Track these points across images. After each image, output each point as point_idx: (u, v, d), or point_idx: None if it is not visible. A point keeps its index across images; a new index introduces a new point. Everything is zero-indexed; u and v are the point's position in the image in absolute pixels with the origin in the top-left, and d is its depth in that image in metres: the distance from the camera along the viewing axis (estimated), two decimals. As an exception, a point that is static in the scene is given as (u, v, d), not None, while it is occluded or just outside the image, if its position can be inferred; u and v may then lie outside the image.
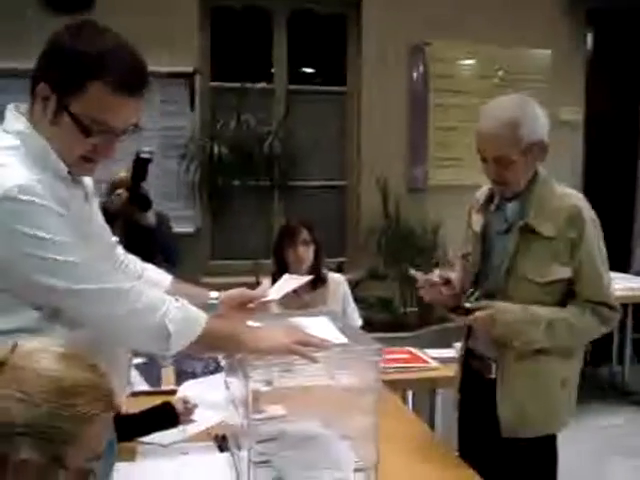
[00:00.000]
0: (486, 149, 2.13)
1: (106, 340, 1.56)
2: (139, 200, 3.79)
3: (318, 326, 2.04)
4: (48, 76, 1.49)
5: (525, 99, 2.18)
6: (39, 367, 1.11)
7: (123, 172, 3.80)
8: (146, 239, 3.82)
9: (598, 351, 5.85)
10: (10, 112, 1.55)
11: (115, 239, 1.92)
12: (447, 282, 2.23)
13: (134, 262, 1.98)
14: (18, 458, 1.06)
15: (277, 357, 1.76)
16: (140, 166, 3.68)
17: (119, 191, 3.79)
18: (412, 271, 2.30)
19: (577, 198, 2.17)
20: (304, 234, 3.35)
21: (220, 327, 1.71)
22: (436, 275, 2.26)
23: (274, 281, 3.25)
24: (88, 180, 1.69)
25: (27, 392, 1.08)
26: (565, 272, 2.10)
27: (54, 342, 1.19)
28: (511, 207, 2.20)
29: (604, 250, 2.18)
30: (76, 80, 1.47)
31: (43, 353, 1.13)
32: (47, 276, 1.44)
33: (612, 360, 5.82)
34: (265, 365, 1.80)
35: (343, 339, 1.93)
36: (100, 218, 1.79)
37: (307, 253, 3.34)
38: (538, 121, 2.12)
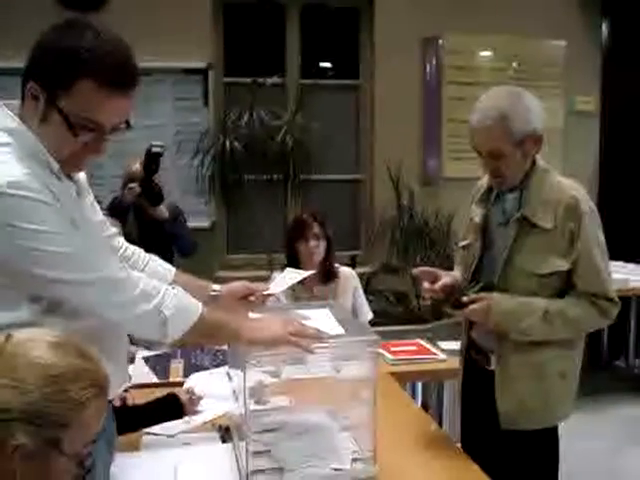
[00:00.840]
0: (479, 143, 2.13)
1: (104, 333, 1.59)
2: (151, 194, 3.84)
3: (318, 317, 2.06)
4: (37, 74, 1.50)
5: (516, 91, 2.16)
6: (32, 355, 1.14)
7: (136, 165, 3.85)
8: (159, 232, 3.87)
9: (615, 343, 5.82)
10: (0, 110, 1.56)
11: (115, 230, 1.94)
12: (434, 279, 2.23)
13: (138, 253, 2.00)
14: (14, 443, 1.09)
15: (274, 348, 1.77)
16: (152, 160, 3.73)
17: (132, 185, 3.84)
18: (415, 271, 2.31)
19: (575, 189, 2.16)
20: (315, 228, 3.36)
21: (217, 316, 1.73)
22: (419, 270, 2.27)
23: (287, 265, 3.30)
24: (81, 175, 1.71)
25: (20, 379, 1.11)
26: (563, 264, 2.10)
27: (48, 332, 1.22)
28: (510, 199, 2.20)
29: (603, 241, 2.17)
30: (64, 78, 1.47)
31: (36, 342, 1.17)
32: (42, 268, 1.46)
33: (629, 352, 5.78)
34: (264, 356, 1.82)
35: (340, 330, 1.95)
36: (96, 213, 1.81)
37: (318, 247, 3.35)
38: (530, 113, 2.10)
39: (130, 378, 2.22)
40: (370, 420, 1.89)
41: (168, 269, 2.04)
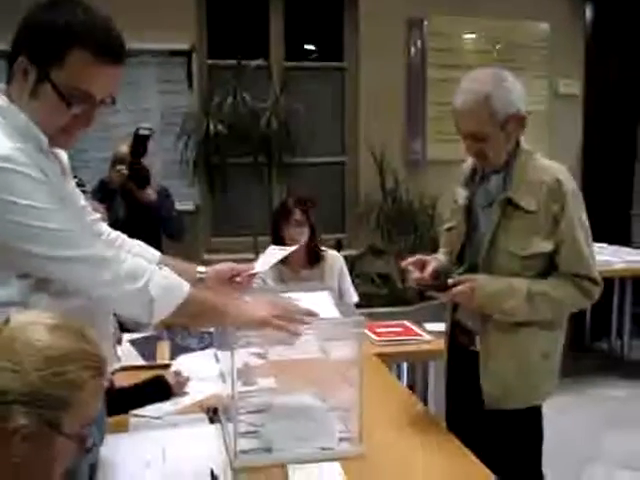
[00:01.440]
0: (462, 125, 2.14)
1: (90, 312, 1.59)
2: (139, 176, 3.82)
3: (317, 301, 2.07)
4: (27, 49, 1.50)
5: (497, 72, 2.16)
6: (30, 337, 1.16)
7: (125, 147, 3.83)
8: (146, 214, 3.86)
9: (598, 325, 5.89)
10: None
11: (98, 216, 1.95)
12: (423, 266, 2.24)
13: (122, 239, 2.01)
14: (14, 425, 1.11)
15: (259, 329, 1.79)
16: (139, 142, 3.71)
17: (119, 167, 3.82)
18: (403, 264, 2.32)
19: (559, 170, 2.17)
20: (297, 215, 3.39)
21: (203, 297, 1.74)
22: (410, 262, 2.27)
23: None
24: (64, 158, 1.71)
25: (19, 362, 1.13)
26: (546, 245, 2.12)
27: (46, 314, 1.23)
28: (494, 181, 2.21)
29: (586, 223, 2.19)
30: (56, 50, 1.49)
31: (34, 325, 1.18)
32: (29, 243, 1.46)
33: (611, 334, 5.84)
34: (252, 337, 1.84)
35: (336, 314, 1.97)
36: (79, 197, 1.81)
37: (300, 234, 3.38)
38: (512, 93, 2.11)
39: (119, 359, 2.23)
40: (357, 400, 1.91)
41: (153, 254, 2.05)
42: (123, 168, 3.79)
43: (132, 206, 3.86)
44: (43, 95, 1.51)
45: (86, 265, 1.52)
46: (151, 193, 3.90)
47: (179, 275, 1.74)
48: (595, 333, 5.92)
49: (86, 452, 1.23)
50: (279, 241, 3.40)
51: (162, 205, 3.99)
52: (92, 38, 1.50)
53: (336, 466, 1.80)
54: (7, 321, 1.19)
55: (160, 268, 1.67)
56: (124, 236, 2.01)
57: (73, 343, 1.18)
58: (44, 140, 1.55)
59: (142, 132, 3.66)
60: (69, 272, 1.52)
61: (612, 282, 5.64)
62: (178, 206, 4.52)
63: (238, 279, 2.10)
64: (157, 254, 2.05)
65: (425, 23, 5.44)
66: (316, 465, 1.81)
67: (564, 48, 5.74)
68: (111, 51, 1.53)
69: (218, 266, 2.10)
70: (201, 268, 2.07)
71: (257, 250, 4.67)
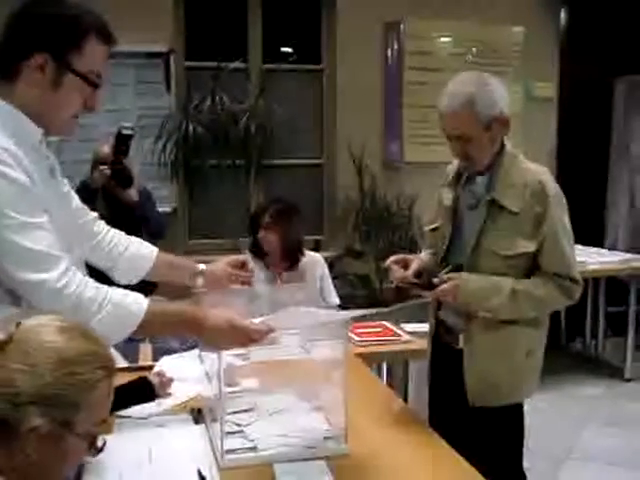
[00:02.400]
0: (448, 127, 2.18)
1: None
2: (121, 176, 3.80)
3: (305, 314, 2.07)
4: (43, 44, 1.57)
5: (481, 75, 2.22)
6: (42, 340, 1.19)
7: (106, 147, 3.81)
8: (128, 215, 3.84)
9: (572, 324, 5.97)
10: None
11: (95, 215, 1.96)
12: (405, 265, 2.28)
13: (118, 236, 2.03)
14: (30, 425, 1.14)
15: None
16: (122, 142, 3.69)
17: (102, 167, 3.79)
18: (387, 263, 2.35)
19: (542, 173, 2.22)
20: (266, 218, 3.41)
21: (163, 316, 1.72)
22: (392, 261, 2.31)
23: (252, 252, 3.35)
24: (52, 157, 1.74)
25: (32, 364, 1.15)
26: (530, 246, 2.16)
27: (55, 317, 1.26)
28: (479, 182, 2.25)
29: (568, 225, 2.24)
30: (74, 39, 1.59)
31: (45, 327, 1.21)
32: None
33: (586, 333, 5.93)
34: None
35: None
36: (72, 199, 1.83)
37: (268, 237, 3.40)
38: (494, 95, 2.16)
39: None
40: (341, 399, 1.93)
41: (150, 250, 2.08)
42: (105, 168, 3.76)
43: (114, 206, 3.84)
44: (67, 84, 1.59)
45: (35, 290, 1.53)
46: (133, 193, 3.88)
47: (177, 270, 1.84)
48: (570, 333, 6.01)
49: (96, 452, 1.25)
50: (255, 243, 3.44)
51: (144, 205, 3.98)
52: (97, 24, 1.63)
53: (322, 464, 1.82)
54: (18, 324, 1.21)
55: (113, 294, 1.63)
56: (120, 234, 2.03)
57: (84, 344, 1.21)
58: (36, 136, 1.60)
59: (125, 131, 3.63)
60: (22, 289, 1.55)
61: (586, 283, 5.68)
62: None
63: (234, 285, 2.14)
64: (155, 250, 2.09)
65: (402, 26, 5.49)
66: (302, 464, 1.83)
67: (539, 52, 5.82)
68: (109, 34, 1.66)
69: (214, 268, 2.14)
70: (201, 265, 2.12)
71: (234, 252, 4.68)
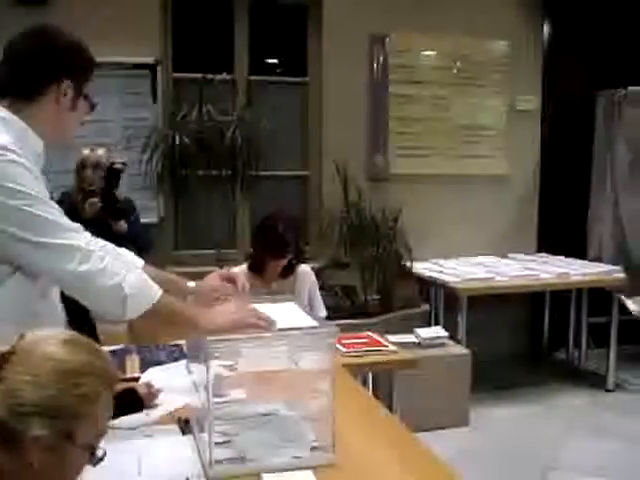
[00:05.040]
0: None
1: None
2: (112, 209, 3.93)
3: (287, 311, 2.12)
4: (69, 73, 1.77)
5: None
6: (46, 352, 1.21)
7: (87, 150, 3.96)
8: (116, 240, 3.89)
9: (555, 335, 6.02)
10: None
11: (78, 225, 1.98)
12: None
13: (106, 247, 2.05)
14: (32, 436, 1.16)
15: (232, 332, 1.83)
16: (113, 176, 3.87)
17: (93, 200, 3.91)
18: None
19: None
20: (289, 255, 3.40)
21: (174, 303, 1.83)
22: None
23: (251, 268, 3.35)
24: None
25: (36, 374, 1.18)
26: None
27: (59, 330, 1.30)
28: None
29: None
30: (89, 68, 1.84)
31: (49, 339, 1.24)
32: (20, 228, 1.59)
33: (569, 344, 5.98)
34: (230, 346, 1.86)
35: (313, 322, 2.01)
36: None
37: (280, 262, 3.41)
38: None
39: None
40: (328, 410, 1.94)
41: (137, 261, 2.15)
42: (97, 201, 3.88)
43: (104, 234, 3.89)
44: (80, 107, 1.82)
45: (69, 254, 1.62)
46: (124, 225, 3.99)
47: (164, 285, 1.82)
48: (553, 344, 6.06)
49: (97, 462, 1.27)
50: (259, 262, 3.42)
51: (132, 229, 4.07)
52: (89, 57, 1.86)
53: (309, 474, 1.83)
54: (22, 336, 1.24)
55: (137, 269, 1.74)
56: (110, 245, 2.06)
57: (87, 357, 1.24)
58: (39, 148, 1.76)
59: (116, 166, 3.83)
60: (52, 259, 1.62)
61: (569, 294, 5.79)
62: (142, 219, 4.54)
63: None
64: (141, 262, 2.15)
65: (388, 40, 5.55)
66: (290, 474, 1.84)
67: (522, 65, 5.90)
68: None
69: (203, 287, 2.21)
70: (190, 283, 2.21)
71: (220, 263, 4.69)
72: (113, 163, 3.88)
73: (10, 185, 1.57)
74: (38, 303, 1.75)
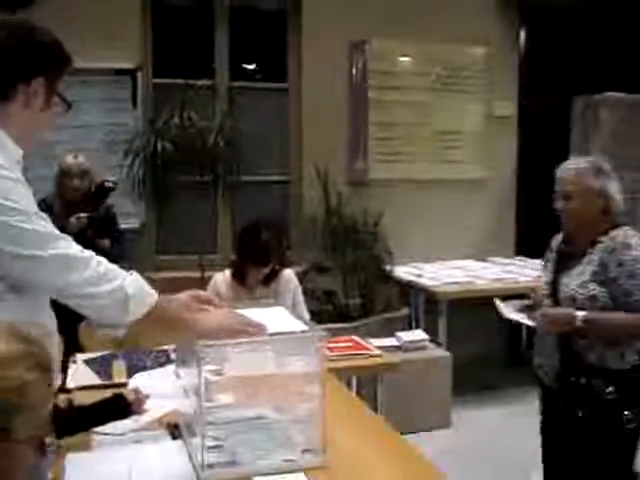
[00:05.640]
0: None
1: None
2: (98, 227, 3.99)
3: (276, 316, 2.14)
4: (41, 69, 1.68)
5: None
6: None
7: (70, 157, 3.97)
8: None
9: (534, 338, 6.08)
10: None
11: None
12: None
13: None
14: None
15: (222, 338, 1.84)
16: (103, 194, 3.90)
17: (80, 215, 3.93)
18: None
19: None
20: (271, 264, 3.41)
21: (169, 306, 1.82)
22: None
23: (234, 275, 3.36)
24: None
25: None
26: None
27: None
28: None
29: None
30: (62, 65, 1.74)
31: None
32: (15, 245, 1.54)
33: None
34: (218, 351, 1.88)
35: (302, 326, 2.03)
36: None
37: (263, 267, 3.42)
38: None
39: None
40: (318, 413, 1.97)
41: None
42: (84, 216, 3.90)
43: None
44: (54, 105, 1.73)
45: (66, 264, 1.59)
46: (107, 242, 4.07)
47: None
48: (532, 345, 6.11)
49: (44, 454, 1.19)
50: (242, 268, 3.42)
51: (113, 247, 4.11)
52: (64, 51, 1.75)
53: (301, 476, 1.86)
54: None
55: (131, 274, 1.73)
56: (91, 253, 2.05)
57: (12, 346, 1.14)
58: (19, 154, 1.68)
59: (107, 184, 3.84)
60: (53, 271, 1.58)
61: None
62: (123, 225, 4.55)
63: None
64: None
65: (367, 46, 5.58)
66: (282, 477, 1.86)
67: (500, 71, 5.97)
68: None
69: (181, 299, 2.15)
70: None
71: (202, 268, 4.71)
72: (104, 181, 3.90)
73: (2, 202, 1.52)
74: (42, 313, 1.70)
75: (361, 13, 5.52)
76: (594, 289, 2.57)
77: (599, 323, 2.54)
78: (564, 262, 2.79)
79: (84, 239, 3.88)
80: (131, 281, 1.68)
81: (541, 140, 6.09)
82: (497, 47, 5.95)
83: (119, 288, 1.64)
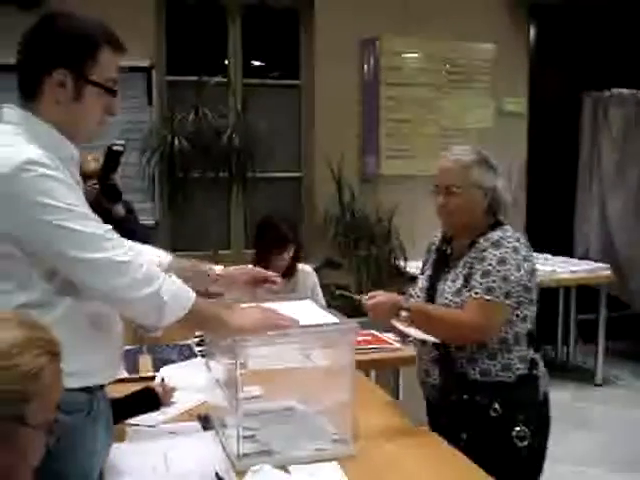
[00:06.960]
0: None
1: (104, 319, 1.70)
2: (110, 192, 3.84)
3: (305, 309, 2.18)
4: (62, 60, 1.64)
5: None
6: None
7: (92, 163, 3.83)
8: (118, 229, 3.87)
9: (544, 331, 6.12)
10: (8, 109, 1.66)
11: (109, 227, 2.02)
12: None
13: (133, 247, 2.08)
14: None
15: (259, 333, 1.88)
16: (112, 158, 3.71)
17: (90, 183, 3.80)
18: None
19: None
20: (291, 247, 3.46)
21: (206, 305, 1.82)
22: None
23: None
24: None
25: None
26: None
27: None
28: None
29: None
30: (91, 52, 1.67)
31: None
32: (60, 244, 1.54)
33: (557, 340, 6.08)
34: (254, 345, 1.92)
35: (333, 318, 2.07)
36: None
37: (284, 256, 3.46)
38: None
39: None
40: (348, 404, 2.01)
41: (164, 256, 2.16)
42: (95, 183, 3.79)
43: (103, 221, 3.87)
44: (88, 95, 1.67)
45: (109, 268, 1.59)
46: (120, 208, 3.92)
47: (191, 274, 1.93)
48: (542, 340, 6.15)
49: (54, 437, 1.21)
50: (262, 260, 3.45)
51: (130, 219, 4.03)
52: (108, 35, 1.71)
53: (335, 466, 1.90)
54: None
55: (170, 276, 1.74)
56: (136, 246, 2.08)
57: (19, 333, 1.15)
58: (67, 149, 1.67)
59: (116, 148, 3.67)
60: (93, 274, 1.58)
61: (557, 291, 5.89)
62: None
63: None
64: (168, 256, 2.17)
65: (378, 43, 5.62)
66: (317, 466, 1.90)
67: (509, 67, 5.99)
68: (119, 43, 1.74)
69: (234, 270, 2.23)
70: (218, 267, 2.25)
71: (216, 264, 4.73)
72: (112, 145, 3.69)
73: (47, 201, 1.52)
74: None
75: (372, 11, 5.55)
76: (469, 296, 2.26)
77: (425, 314, 2.27)
78: (442, 265, 2.48)
79: (97, 210, 3.86)
80: (167, 287, 1.66)
81: (551, 136, 6.13)
82: (507, 43, 5.97)
83: (155, 294, 1.64)
